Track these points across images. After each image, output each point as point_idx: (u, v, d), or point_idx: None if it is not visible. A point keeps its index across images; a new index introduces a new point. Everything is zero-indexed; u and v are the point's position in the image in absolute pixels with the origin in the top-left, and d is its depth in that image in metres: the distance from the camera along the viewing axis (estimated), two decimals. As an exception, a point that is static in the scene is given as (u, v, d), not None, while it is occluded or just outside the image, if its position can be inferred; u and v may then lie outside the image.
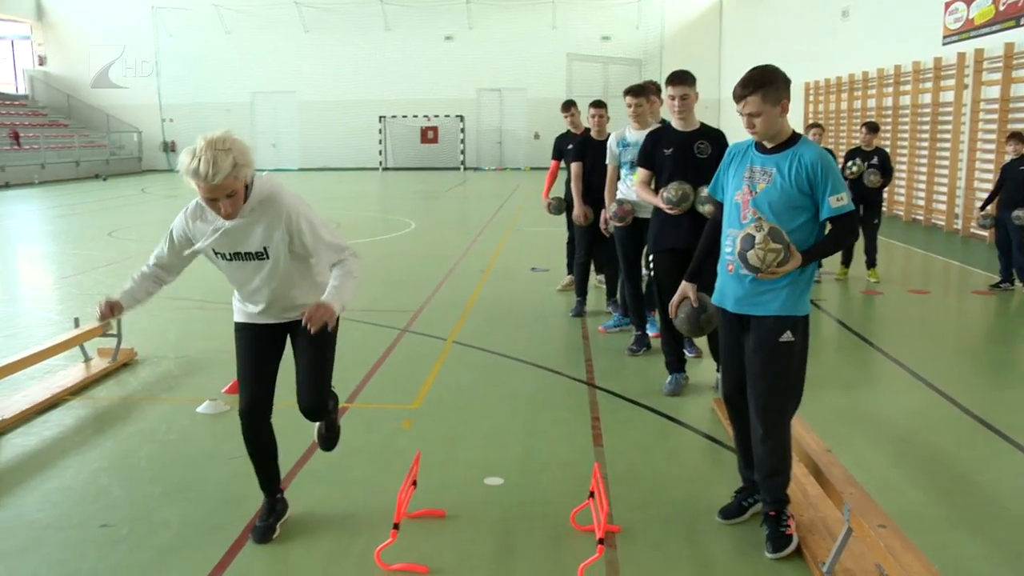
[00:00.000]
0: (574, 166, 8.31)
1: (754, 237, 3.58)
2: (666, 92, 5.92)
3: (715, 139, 5.89)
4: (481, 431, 5.32)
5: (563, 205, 9.15)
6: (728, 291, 3.89)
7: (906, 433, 5.35)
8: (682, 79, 5.78)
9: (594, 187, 7.94)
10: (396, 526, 3.70)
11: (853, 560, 3.55)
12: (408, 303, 9.01)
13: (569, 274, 9.59)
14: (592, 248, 8.39)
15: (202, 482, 4.59)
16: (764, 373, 3.78)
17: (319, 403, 3.90)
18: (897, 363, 6.91)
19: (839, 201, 3.65)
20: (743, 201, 3.80)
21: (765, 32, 27.60)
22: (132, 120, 37.21)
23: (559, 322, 8.27)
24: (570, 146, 8.63)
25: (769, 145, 3.79)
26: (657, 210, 5.99)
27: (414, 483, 4.06)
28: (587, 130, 8.52)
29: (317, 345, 3.81)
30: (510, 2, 35.11)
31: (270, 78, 36.19)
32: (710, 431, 5.34)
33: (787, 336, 3.73)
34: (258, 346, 3.90)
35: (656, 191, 5.98)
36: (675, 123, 5.95)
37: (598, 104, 8.28)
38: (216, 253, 3.72)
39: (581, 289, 8.51)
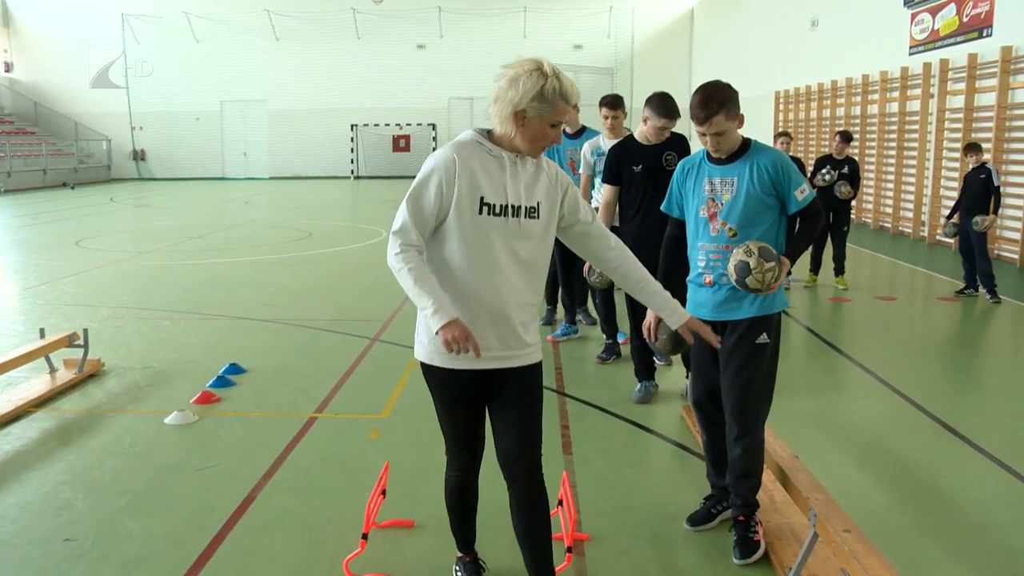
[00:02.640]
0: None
1: (748, 263, 3.60)
2: (658, 119, 5.66)
3: (681, 147, 5.86)
4: (450, 440, 5.29)
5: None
6: (704, 300, 3.90)
7: (872, 438, 5.40)
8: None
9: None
10: (365, 536, 3.69)
11: (819, 565, 3.57)
12: (378, 312, 8.98)
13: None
14: (562, 256, 8.38)
15: (168, 494, 4.54)
16: (739, 374, 3.82)
17: (537, 456, 3.33)
18: (864, 369, 6.98)
19: (803, 193, 3.75)
20: (710, 214, 3.84)
21: (735, 41, 27.83)
22: (101, 128, 36.85)
23: (530, 330, 8.25)
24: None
25: (724, 157, 3.83)
26: (628, 220, 5.97)
27: (383, 493, 4.05)
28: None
29: (534, 396, 3.27)
30: (482, 11, 35.16)
31: (240, 87, 36.02)
32: (679, 438, 5.36)
33: (763, 338, 3.80)
34: (468, 399, 3.25)
35: (623, 206, 5.98)
36: (641, 137, 5.88)
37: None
38: (484, 205, 3.07)
39: (550, 297, 8.51)
